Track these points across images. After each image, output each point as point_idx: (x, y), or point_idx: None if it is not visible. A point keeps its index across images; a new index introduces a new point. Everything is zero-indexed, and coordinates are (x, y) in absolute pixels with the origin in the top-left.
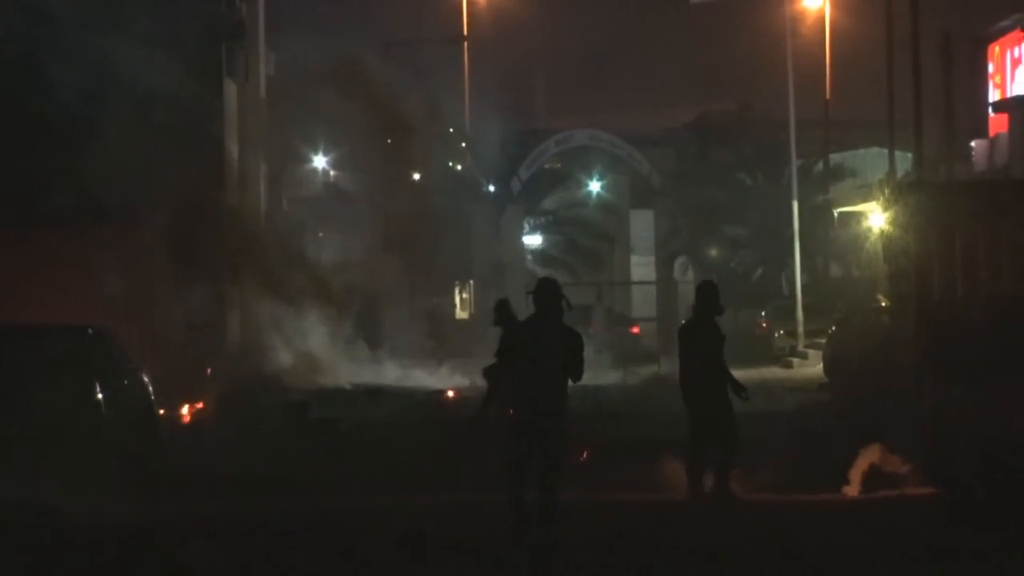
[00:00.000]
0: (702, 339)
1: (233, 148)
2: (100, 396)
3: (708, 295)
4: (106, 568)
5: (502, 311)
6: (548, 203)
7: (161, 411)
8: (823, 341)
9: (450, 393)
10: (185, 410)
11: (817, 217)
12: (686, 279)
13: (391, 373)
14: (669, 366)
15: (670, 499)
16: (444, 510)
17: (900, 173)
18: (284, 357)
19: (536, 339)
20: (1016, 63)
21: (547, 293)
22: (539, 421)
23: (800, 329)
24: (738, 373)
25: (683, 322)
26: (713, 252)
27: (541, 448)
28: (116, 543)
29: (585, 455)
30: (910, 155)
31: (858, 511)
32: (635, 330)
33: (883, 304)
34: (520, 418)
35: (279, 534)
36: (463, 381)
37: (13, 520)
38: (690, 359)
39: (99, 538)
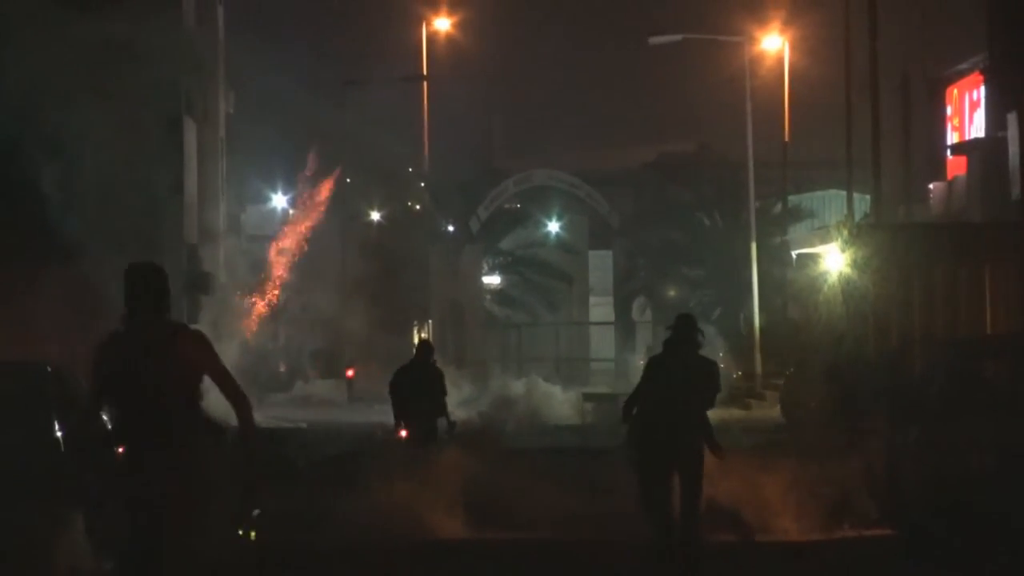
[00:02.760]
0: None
1: (192, 186)
2: (58, 435)
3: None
4: None
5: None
6: (507, 243)
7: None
8: (781, 382)
9: (403, 432)
10: None
11: (775, 258)
12: (644, 319)
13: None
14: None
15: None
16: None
17: (858, 215)
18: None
19: (671, 370)
20: (974, 106)
21: (684, 326)
22: (675, 451)
23: (758, 370)
24: None
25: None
26: (672, 292)
27: (681, 478)
28: None
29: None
30: (868, 197)
31: (818, 552)
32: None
33: (841, 346)
34: (655, 449)
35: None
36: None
37: None
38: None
39: None
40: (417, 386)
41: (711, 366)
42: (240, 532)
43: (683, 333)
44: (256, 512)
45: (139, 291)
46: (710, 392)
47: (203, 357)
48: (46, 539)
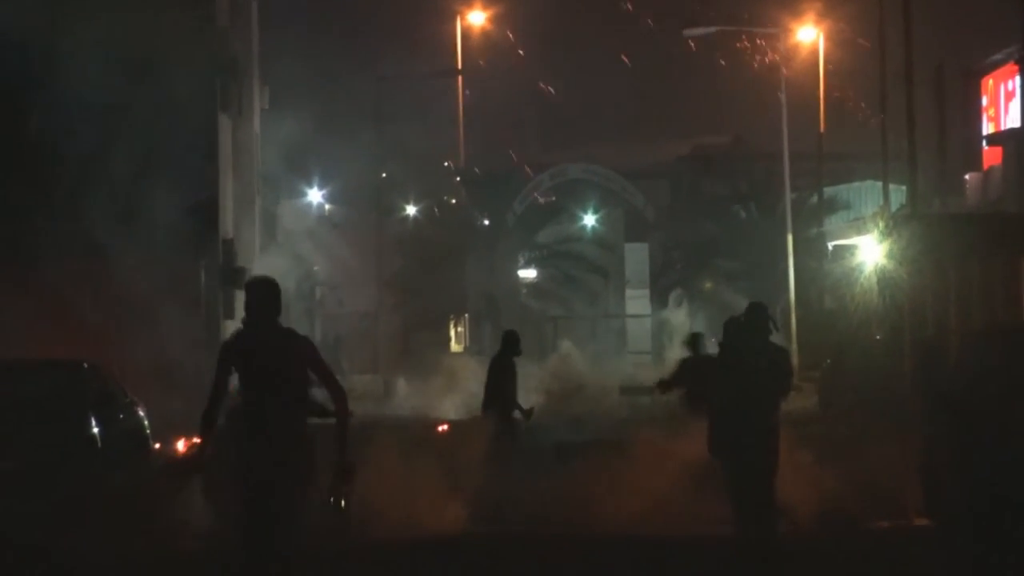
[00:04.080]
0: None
1: (228, 182)
2: (95, 430)
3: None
4: None
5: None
6: (543, 236)
7: (156, 444)
8: (818, 374)
9: (443, 427)
10: (181, 444)
11: (811, 250)
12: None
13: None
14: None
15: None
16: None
17: (894, 206)
18: None
19: (748, 360)
20: (1010, 96)
21: (758, 315)
22: (749, 442)
23: (795, 362)
24: None
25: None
26: (708, 285)
27: (752, 470)
28: None
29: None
30: (904, 188)
31: (855, 543)
32: None
33: (878, 338)
34: (730, 441)
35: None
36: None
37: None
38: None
39: (91, 573)
40: (490, 376)
41: (785, 353)
42: (333, 502)
43: (757, 322)
44: (347, 488)
45: (259, 301)
46: (787, 380)
47: (310, 356)
48: (83, 531)
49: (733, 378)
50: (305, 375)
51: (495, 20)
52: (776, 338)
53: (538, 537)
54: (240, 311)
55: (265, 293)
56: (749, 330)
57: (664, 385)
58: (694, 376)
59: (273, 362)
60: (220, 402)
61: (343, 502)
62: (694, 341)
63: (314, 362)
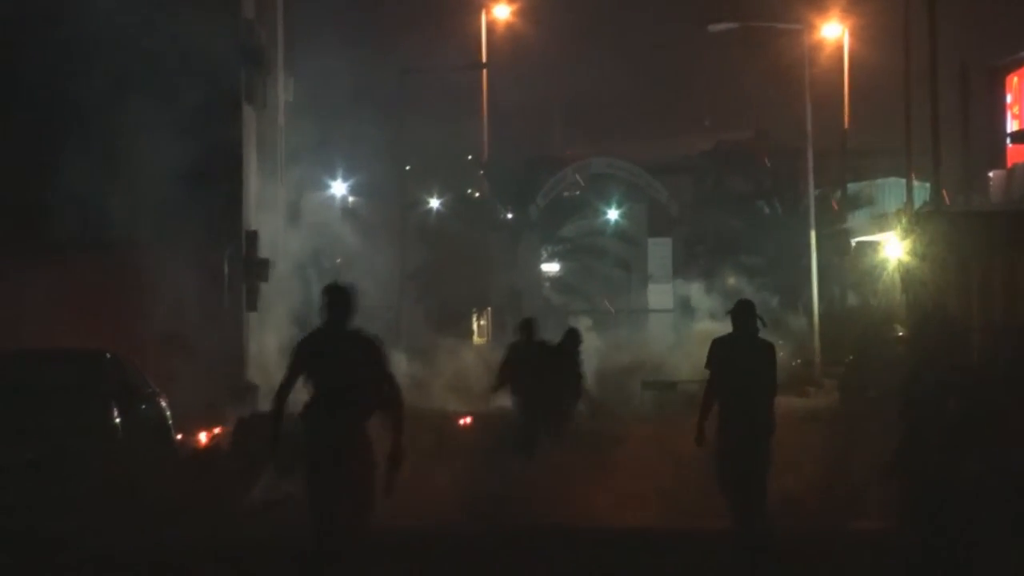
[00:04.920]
0: (740, 358)
1: (251, 174)
2: (117, 420)
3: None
4: None
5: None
6: (566, 230)
7: (179, 436)
8: (840, 370)
9: (465, 419)
10: (203, 435)
11: (834, 246)
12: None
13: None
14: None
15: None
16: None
17: (917, 203)
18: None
19: (735, 356)
20: None
21: (745, 311)
22: (748, 435)
23: (817, 358)
24: None
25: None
26: (730, 280)
27: (753, 459)
28: (131, 569)
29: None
30: (928, 185)
31: (866, 543)
32: None
33: (900, 334)
34: (730, 435)
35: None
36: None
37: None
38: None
39: (113, 564)
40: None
41: (771, 345)
42: (385, 488)
43: (744, 318)
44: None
45: (334, 305)
46: (772, 371)
47: (376, 357)
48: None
49: (731, 376)
50: (368, 373)
51: (520, 14)
52: (800, 334)
53: (538, 531)
54: (263, 302)
55: (340, 298)
56: (738, 327)
57: (493, 387)
58: (519, 364)
59: (342, 360)
60: (288, 392)
61: (391, 489)
62: (527, 326)
63: (378, 364)
